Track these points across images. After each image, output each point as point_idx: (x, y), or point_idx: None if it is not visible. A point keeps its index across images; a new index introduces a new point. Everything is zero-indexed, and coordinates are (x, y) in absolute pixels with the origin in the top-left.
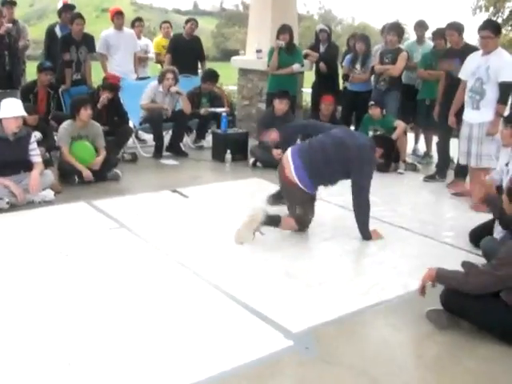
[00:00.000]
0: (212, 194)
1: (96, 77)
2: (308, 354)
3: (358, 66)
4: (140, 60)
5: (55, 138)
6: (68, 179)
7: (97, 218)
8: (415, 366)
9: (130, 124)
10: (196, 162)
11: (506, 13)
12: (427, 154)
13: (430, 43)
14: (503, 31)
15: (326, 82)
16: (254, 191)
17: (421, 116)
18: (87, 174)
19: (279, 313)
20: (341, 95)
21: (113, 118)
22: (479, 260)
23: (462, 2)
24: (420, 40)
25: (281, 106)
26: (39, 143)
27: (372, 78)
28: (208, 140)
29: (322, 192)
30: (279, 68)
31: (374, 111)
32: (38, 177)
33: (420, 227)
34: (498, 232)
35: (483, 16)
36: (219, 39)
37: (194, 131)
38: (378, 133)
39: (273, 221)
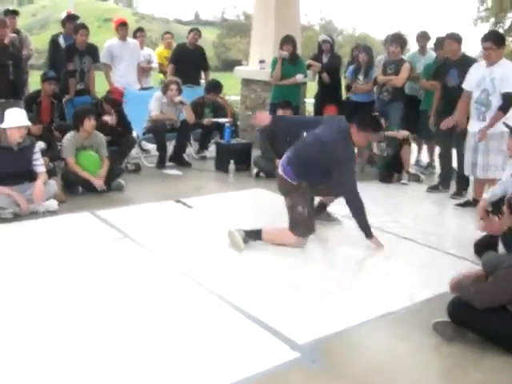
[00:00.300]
0: (216, 204)
1: (99, 87)
2: (315, 366)
3: (360, 77)
4: (143, 70)
5: (59, 147)
6: (72, 189)
7: (101, 228)
8: (422, 378)
9: (134, 134)
10: (199, 172)
11: (508, 23)
12: (430, 165)
13: (432, 54)
14: None
15: (328, 93)
16: (257, 202)
17: (423, 127)
18: (100, 183)
19: (285, 324)
20: (343, 105)
21: (116, 128)
22: None
23: (463, 12)
24: (422, 51)
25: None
26: (43, 153)
27: (375, 88)
28: (211, 150)
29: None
30: (282, 78)
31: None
32: (42, 186)
33: (423, 238)
34: (502, 249)
35: (484, 27)
36: (220, 49)
37: (197, 141)
38: (382, 143)
39: (254, 234)
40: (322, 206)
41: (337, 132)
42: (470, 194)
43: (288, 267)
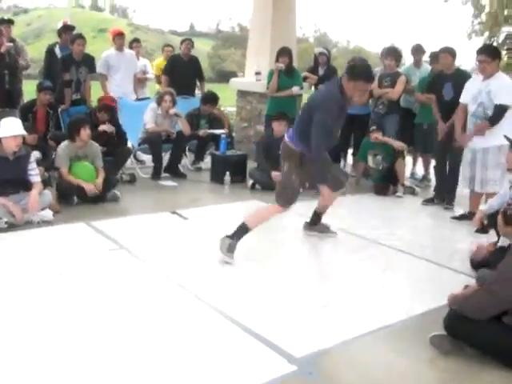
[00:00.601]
0: (211, 216)
1: (95, 97)
2: (312, 379)
3: None
4: (139, 81)
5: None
6: (67, 199)
7: (96, 239)
8: None
9: (129, 145)
10: (195, 183)
11: (502, 37)
12: (425, 178)
13: (427, 67)
14: None
15: None
16: None
17: (418, 140)
18: (90, 187)
19: (282, 337)
20: None
21: (111, 138)
22: None
23: (457, 26)
24: (417, 64)
25: (280, 127)
26: (38, 163)
27: (370, 101)
28: (206, 162)
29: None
30: (278, 90)
31: (377, 135)
32: (37, 196)
33: (420, 250)
34: None
35: (479, 40)
36: (215, 60)
37: (192, 152)
38: (378, 157)
39: (241, 231)
40: (317, 216)
41: (327, 84)
42: (465, 206)
43: (285, 280)
